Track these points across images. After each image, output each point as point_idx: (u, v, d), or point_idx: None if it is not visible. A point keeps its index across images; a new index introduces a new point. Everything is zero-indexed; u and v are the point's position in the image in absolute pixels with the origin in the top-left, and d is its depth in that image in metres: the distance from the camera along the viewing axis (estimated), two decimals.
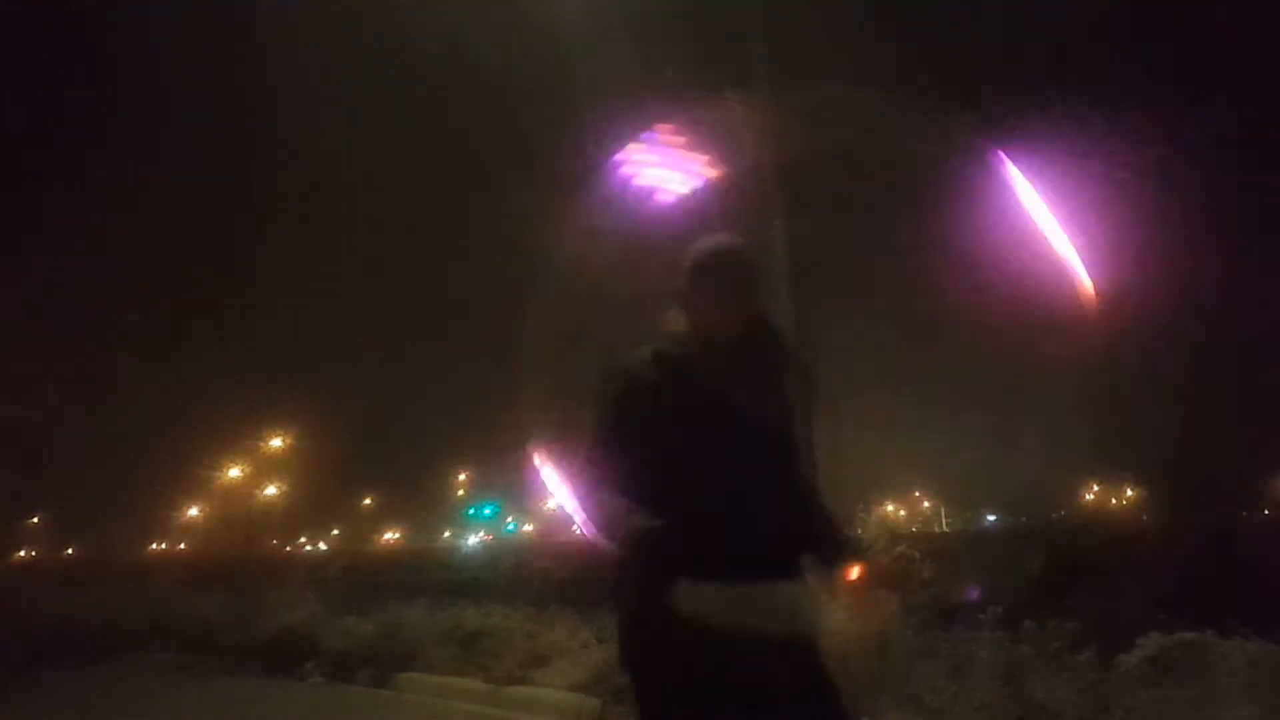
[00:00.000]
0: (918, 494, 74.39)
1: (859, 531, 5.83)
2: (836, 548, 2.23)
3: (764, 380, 2.16)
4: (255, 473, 50.87)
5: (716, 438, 2.02)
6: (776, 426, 2.15)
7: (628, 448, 2.03)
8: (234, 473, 50.38)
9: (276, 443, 49.96)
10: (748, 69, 7.39)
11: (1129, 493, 74.23)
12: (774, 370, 2.20)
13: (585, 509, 2.05)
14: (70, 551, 52.61)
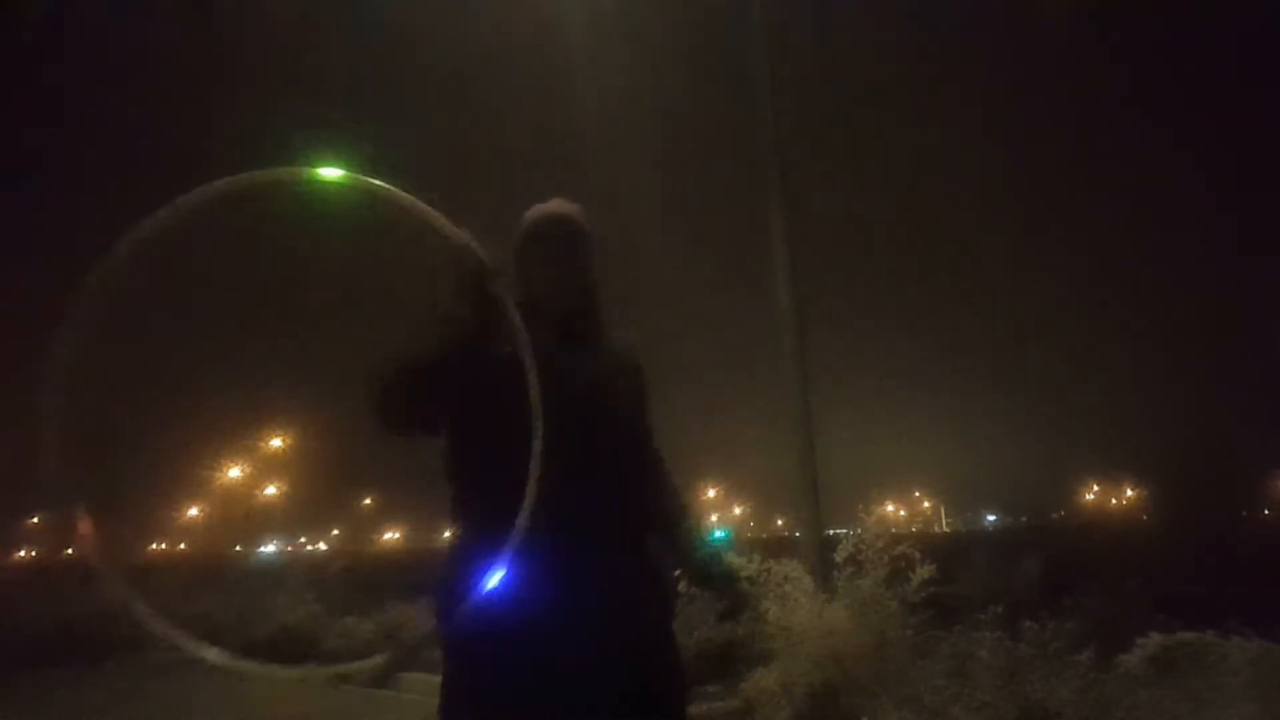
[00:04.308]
0: (918, 494, 74.51)
1: (857, 531, 5.83)
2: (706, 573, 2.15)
3: (593, 356, 2.04)
4: (255, 473, 50.85)
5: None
6: (610, 409, 2.01)
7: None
8: (234, 473, 50.36)
9: (276, 443, 49.94)
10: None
11: (1129, 493, 74.28)
12: (601, 345, 2.09)
13: None
14: (70, 552, 52.60)
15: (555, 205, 2.12)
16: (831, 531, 6.88)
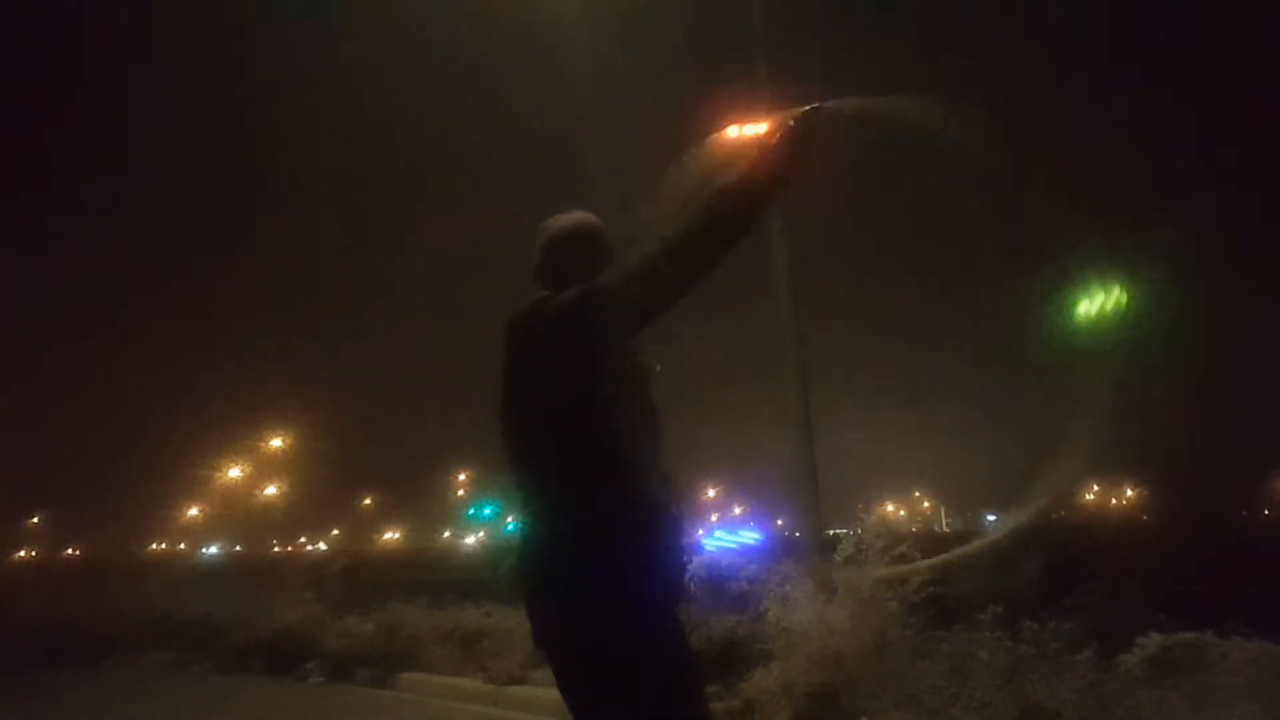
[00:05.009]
0: (918, 494, 74.50)
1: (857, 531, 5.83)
2: None
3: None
4: (255, 473, 50.83)
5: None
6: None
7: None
8: (234, 473, 50.36)
9: (276, 443, 49.91)
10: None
11: (1129, 493, 74.27)
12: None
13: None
14: (70, 551, 52.63)
15: (579, 215, 2.35)
16: (831, 531, 6.88)
